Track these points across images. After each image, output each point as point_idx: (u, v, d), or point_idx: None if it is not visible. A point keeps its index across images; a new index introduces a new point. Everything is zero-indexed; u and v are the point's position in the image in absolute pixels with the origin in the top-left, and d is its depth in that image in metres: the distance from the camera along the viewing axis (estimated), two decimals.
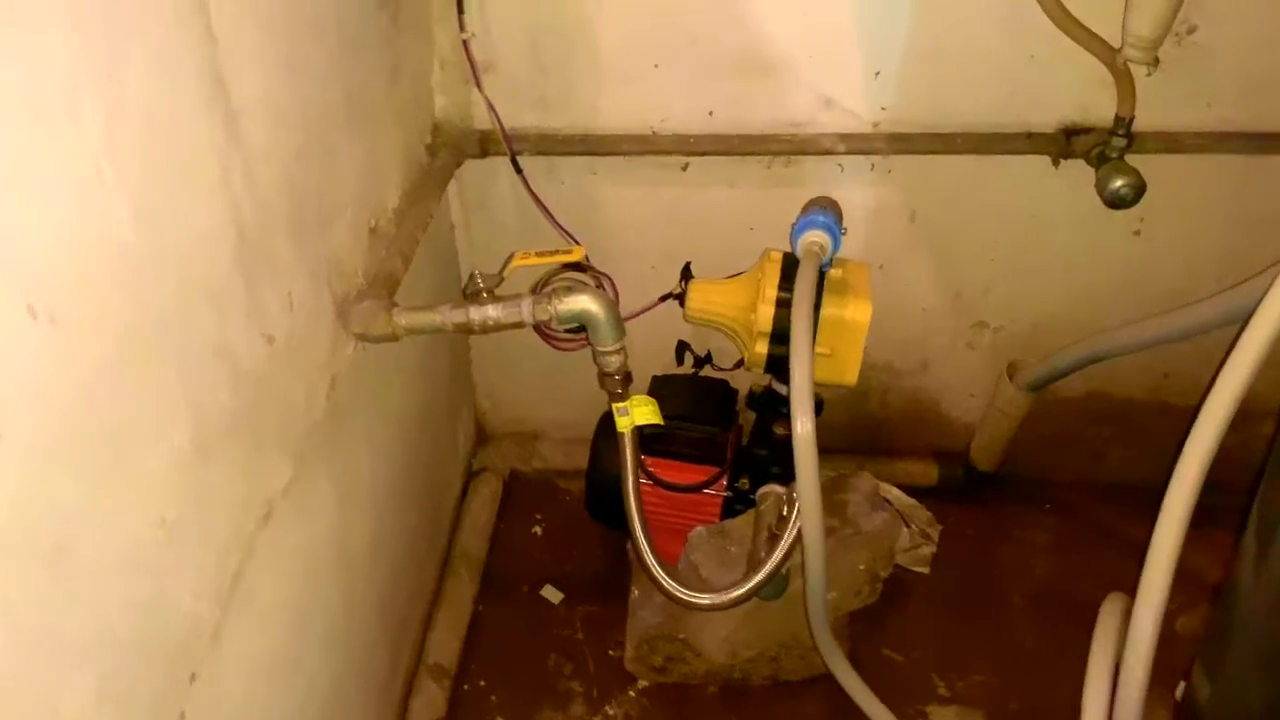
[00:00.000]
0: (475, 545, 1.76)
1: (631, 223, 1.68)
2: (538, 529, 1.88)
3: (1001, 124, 1.53)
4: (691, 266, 1.58)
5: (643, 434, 1.47)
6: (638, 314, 1.64)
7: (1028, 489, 1.94)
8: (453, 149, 1.54)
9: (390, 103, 1.34)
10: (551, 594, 1.75)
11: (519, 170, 1.56)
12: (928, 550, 1.75)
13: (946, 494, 1.91)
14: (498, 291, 1.14)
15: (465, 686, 1.60)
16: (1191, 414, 1.01)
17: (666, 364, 1.73)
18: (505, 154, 1.55)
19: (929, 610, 1.73)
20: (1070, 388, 1.78)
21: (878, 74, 1.50)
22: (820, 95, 1.52)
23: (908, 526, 1.75)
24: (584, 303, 1.11)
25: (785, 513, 1.28)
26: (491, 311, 1.12)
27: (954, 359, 1.82)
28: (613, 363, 1.17)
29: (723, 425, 1.59)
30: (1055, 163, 1.56)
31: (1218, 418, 0.92)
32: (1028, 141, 1.53)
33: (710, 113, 1.54)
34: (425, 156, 1.52)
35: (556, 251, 1.19)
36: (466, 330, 1.14)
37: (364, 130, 1.23)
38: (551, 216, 1.62)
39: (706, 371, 1.73)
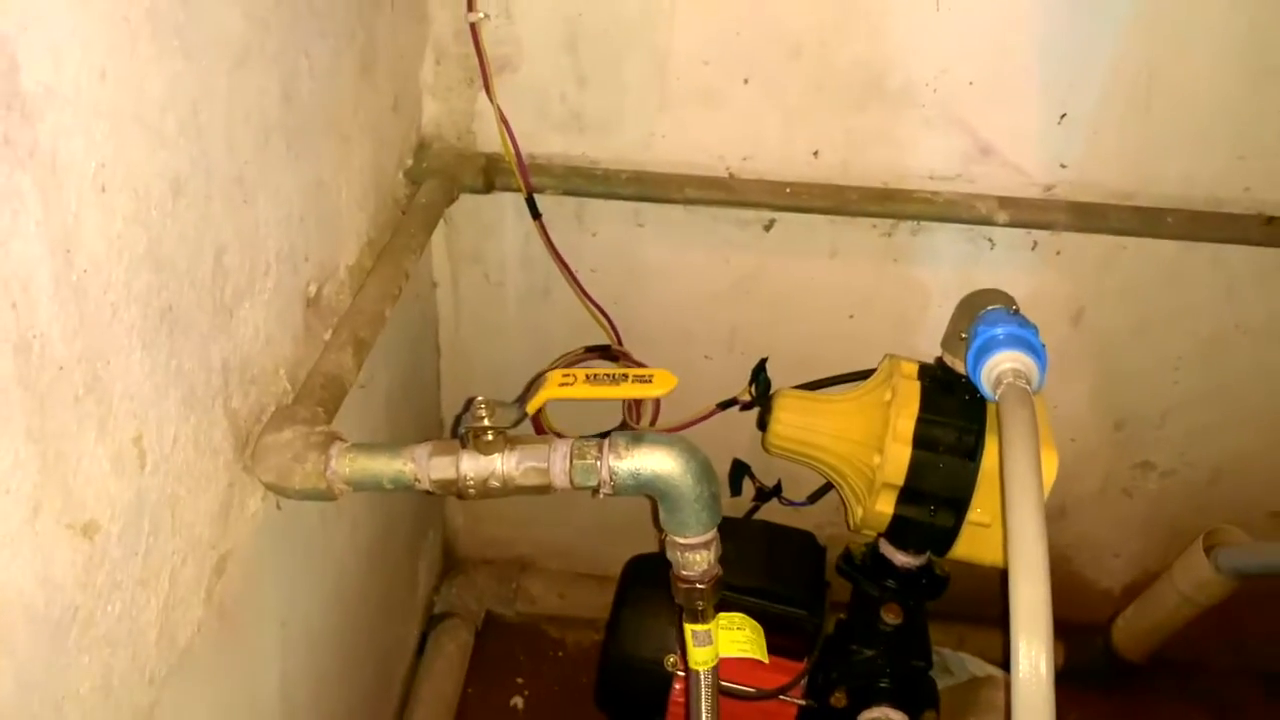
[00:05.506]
0: None
1: (686, 296, 1.26)
2: (518, 699, 1.43)
3: (1224, 199, 1.13)
4: (767, 365, 1.18)
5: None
6: (687, 425, 1.23)
7: (1173, 677, 1.53)
8: (444, 178, 1.12)
9: (356, 107, 0.92)
10: None
11: (536, 214, 1.15)
12: None
13: (1068, 678, 1.49)
14: (512, 432, 0.71)
15: None
16: None
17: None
18: (519, 189, 1.13)
19: None
20: None
21: (1063, 117, 1.09)
22: (976, 139, 1.11)
23: None
24: (660, 461, 0.68)
25: None
26: (500, 464, 0.70)
27: (1102, 507, 1.41)
28: (697, 562, 0.73)
29: (810, 603, 1.15)
30: None
31: None
32: (1265, 229, 1.13)
33: (815, 153, 1.13)
34: (404, 187, 1.10)
35: (627, 375, 0.73)
36: (451, 491, 0.72)
37: (309, 147, 0.81)
38: (576, 281, 1.20)
39: (768, 513, 1.31)
